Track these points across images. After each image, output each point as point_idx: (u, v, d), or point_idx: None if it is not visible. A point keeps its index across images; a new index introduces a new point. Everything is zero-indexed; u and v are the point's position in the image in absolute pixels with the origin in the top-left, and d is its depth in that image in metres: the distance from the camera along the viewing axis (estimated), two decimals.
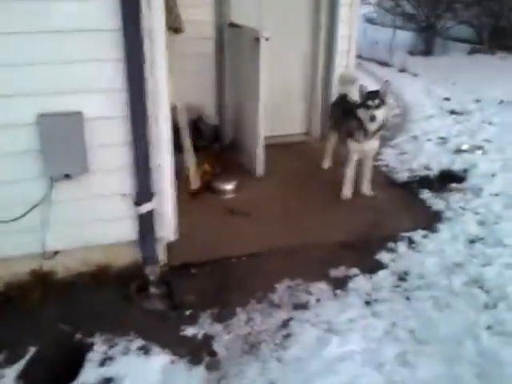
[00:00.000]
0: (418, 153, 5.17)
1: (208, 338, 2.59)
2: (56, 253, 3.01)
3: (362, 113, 3.87)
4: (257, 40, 4.19)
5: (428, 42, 11.61)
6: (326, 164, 4.80)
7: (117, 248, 3.10)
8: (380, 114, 3.82)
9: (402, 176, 4.61)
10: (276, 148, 4.88)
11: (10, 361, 2.45)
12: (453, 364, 2.40)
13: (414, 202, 4.13)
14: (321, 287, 2.99)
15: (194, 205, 3.98)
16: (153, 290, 2.97)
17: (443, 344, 2.52)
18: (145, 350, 2.49)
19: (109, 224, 3.03)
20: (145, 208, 2.94)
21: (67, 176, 2.80)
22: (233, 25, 4.94)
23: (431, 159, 4.95)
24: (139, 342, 2.54)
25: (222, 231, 3.66)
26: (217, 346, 2.53)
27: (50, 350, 2.53)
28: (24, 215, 2.82)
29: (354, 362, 2.40)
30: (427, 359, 2.43)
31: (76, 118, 2.75)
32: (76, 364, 2.44)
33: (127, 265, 3.13)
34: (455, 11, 11.31)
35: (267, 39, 4.20)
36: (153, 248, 3.05)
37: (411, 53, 11.47)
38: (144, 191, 2.93)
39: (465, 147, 5.20)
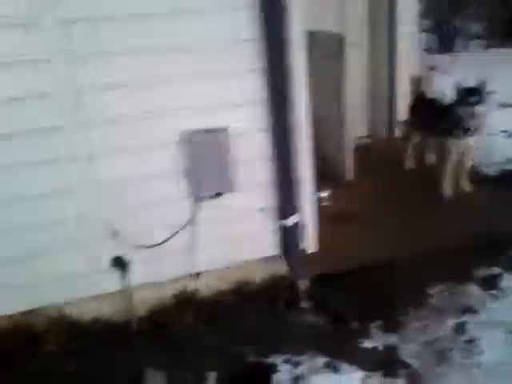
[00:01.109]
0: (490, 146, 5.11)
1: (391, 350, 2.49)
2: (199, 274, 2.93)
3: (461, 110, 3.82)
4: (340, 42, 4.14)
5: (446, 40, 11.64)
6: (410, 164, 4.74)
7: (255, 263, 3.02)
8: (480, 110, 3.78)
9: (490, 170, 4.56)
10: None
11: None
12: None
13: None
14: (474, 289, 2.92)
15: None
16: (304, 304, 2.89)
17: None
18: (333, 367, 2.40)
19: (250, 240, 2.95)
20: (290, 221, 2.87)
21: (218, 194, 2.72)
22: None
23: (509, 152, 4.91)
24: (322, 360, 2.45)
25: (339, 239, 3.50)
26: (406, 357, 2.44)
27: (232, 374, 2.43)
28: (169, 238, 2.74)
29: None
30: None
31: (223, 134, 2.68)
32: None
33: (266, 280, 3.05)
34: (470, 9, 11.38)
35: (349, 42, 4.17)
36: (300, 261, 2.97)
37: (430, 50, 11.48)
38: (288, 204, 2.86)
39: None
